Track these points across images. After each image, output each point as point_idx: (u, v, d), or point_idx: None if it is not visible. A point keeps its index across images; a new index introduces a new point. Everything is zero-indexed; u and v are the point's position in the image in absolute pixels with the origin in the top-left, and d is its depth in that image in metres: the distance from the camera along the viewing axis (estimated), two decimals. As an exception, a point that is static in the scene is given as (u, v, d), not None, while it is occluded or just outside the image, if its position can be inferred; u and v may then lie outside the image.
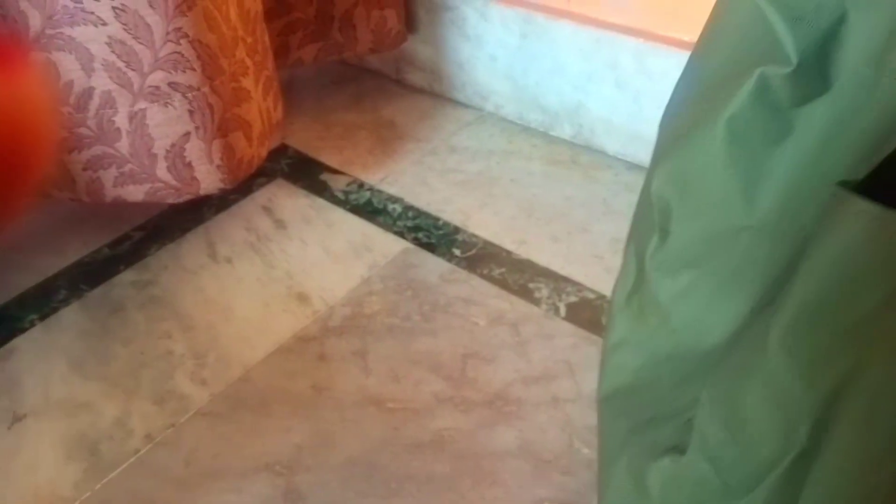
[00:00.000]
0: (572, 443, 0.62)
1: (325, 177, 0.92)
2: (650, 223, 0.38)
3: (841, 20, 0.32)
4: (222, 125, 0.73)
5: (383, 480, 0.61)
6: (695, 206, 0.36)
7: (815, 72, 0.33)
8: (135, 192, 0.76)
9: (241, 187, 0.90)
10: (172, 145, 0.72)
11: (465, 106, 1.01)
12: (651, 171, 0.39)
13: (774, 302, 0.32)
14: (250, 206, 0.88)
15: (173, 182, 0.75)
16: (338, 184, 0.91)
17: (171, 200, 0.77)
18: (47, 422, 0.67)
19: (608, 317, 0.43)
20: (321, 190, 0.90)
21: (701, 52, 0.39)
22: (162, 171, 0.74)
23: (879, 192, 0.30)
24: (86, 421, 0.67)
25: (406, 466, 0.61)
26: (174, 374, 0.70)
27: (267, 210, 0.88)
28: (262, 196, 0.90)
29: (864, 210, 0.29)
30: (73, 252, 0.83)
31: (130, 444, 0.65)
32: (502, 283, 0.77)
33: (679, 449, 0.38)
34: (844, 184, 0.30)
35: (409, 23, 0.99)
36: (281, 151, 0.96)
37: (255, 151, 0.79)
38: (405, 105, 1.03)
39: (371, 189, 0.90)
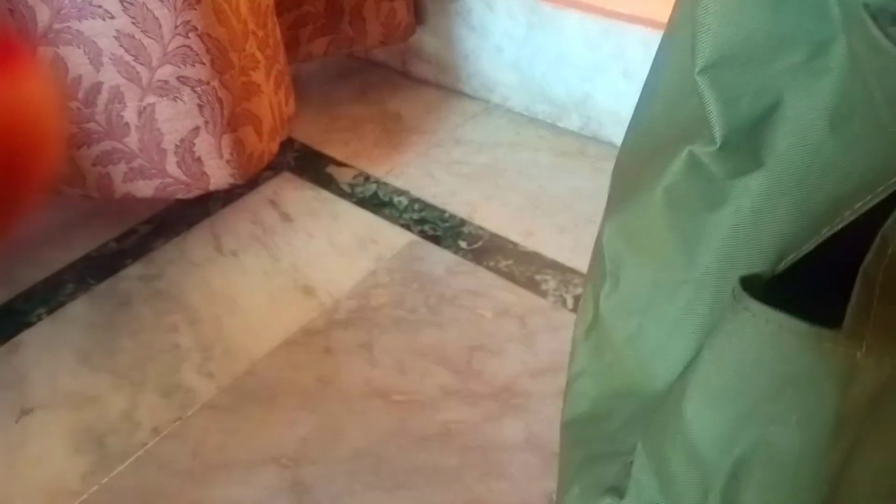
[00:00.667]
0: (579, 435, 0.62)
1: (331, 170, 0.92)
2: (603, 269, 0.39)
3: (776, 105, 0.32)
4: (232, 120, 0.73)
5: (390, 473, 0.60)
6: (641, 258, 0.38)
7: (744, 150, 0.33)
8: (144, 188, 0.76)
9: (248, 181, 0.90)
10: (182, 140, 0.72)
11: (472, 98, 1.01)
12: (603, 222, 0.41)
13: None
14: (256, 199, 0.88)
15: (183, 177, 0.75)
16: (344, 176, 0.91)
17: (180, 196, 0.77)
18: (54, 415, 0.67)
19: (572, 346, 0.45)
20: (327, 183, 0.90)
21: (648, 84, 0.41)
22: (171, 166, 0.74)
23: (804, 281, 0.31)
24: (93, 414, 0.67)
25: (413, 459, 0.61)
26: (181, 366, 0.70)
27: (273, 203, 0.88)
28: (268, 189, 0.90)
29: (759, 313, 0.30)
30: (80, 246, 0.83)
31: (138, 437, 0.65)
32: (509, 276, 0.77)
33: (618, 491, 0.40)
34: (752, 279, 0.32)
35: (417, 14, 0.99)
36: (287, 145, 0.96)
37: (265, 146, 0.79)
38: (411, 97, 1.02)
39: (377, 182, 0.89)
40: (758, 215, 0.33)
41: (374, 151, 0.94)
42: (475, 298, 0.74)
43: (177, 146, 0.72)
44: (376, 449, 0.62)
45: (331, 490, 0.60)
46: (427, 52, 1.02)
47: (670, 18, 0.39)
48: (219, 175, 0.74)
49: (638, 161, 0.39)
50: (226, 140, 0.73)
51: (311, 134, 0.97)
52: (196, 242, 0.83)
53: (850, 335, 0.29)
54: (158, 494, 0.60)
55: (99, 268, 0.81)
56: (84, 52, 0.66)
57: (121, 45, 0.66)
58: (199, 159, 0.73)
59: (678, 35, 0.37)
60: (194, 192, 0.75)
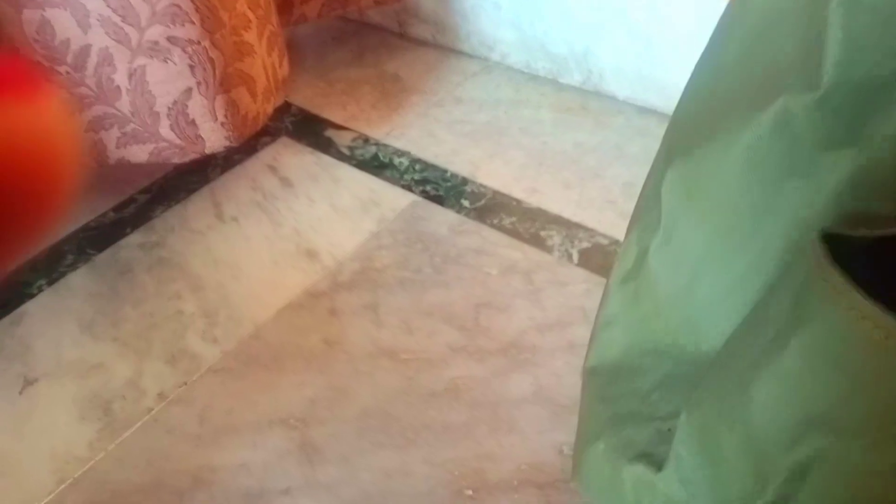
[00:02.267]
0: (589, 388, 0.61)
1: (329, 133, 0.90)
2: (657, 217, 0.37)
3: None
4: (224, 80, 0.72)
5: (399, 430, 0.60)
6: (702, 215, 0.35)
7: (845, 116, 0.30)
8: (139, 153, 0.74)
9: (246, 147, 0.89)
10: (174, 102, 0.71)
11: (471, 56, 0.99)
12: (664, 165, 0.37)
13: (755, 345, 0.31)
14: (255, 165, 0.87)
15: (177, 141, 0.73)
16: (343, 140, 0.89)
17: (176, 160, 0.76)
18: (59, 384, 0.67)
19: (605, 290, 0.43)
20: (326, 147, 0.89)
21: (734, 21, 0.37)
22: (165, 129, 0.73)
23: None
24: (98, 382, 0.66)
25: (422, 416, 0.61)
26: (185, 333, 0.70)
27: (272, 169, 0.86)
28: (266, 155, 0.88)
29: (842, 291, 0.26)
30: (79, 217, 0.82)
31: (143, 403, 0.64)
32: (513, 233, 0.75)
33: (653, 459, 0.38)
34: (836, 239, 0.28)
35: (410, -27, 0.97)
36: (284, 110, 0.94)
37: (260, 107, 0.77)
38: (409, 58, 1.01)
39: (377, 144, 0.88)
40: (840, 198, 0.30)
41: (372, 113, 0.92)
42: (480, 256, 0.73)
43: (169, 109, 0.70)
44: (385, 407, 0.62)
45: (340, 449, 0.59)
46: (424, 11, 1.00)
47: None
48: (214, 138, 0.73)
49: (711, 108, 0.36)
50: (219, 101, 0.71)
51: (308, 98, 0.96)
52: (196, 210, 0.82)
53: None
54: (166, 458, 0.60)
55: (98, 238, 0.80)
56: (71, 13, 0.65)
57: (108, 6, 0.64)
58: (192, 122, 0.71)
59: None
60: (190, 156, 0.74)
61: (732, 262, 0.34)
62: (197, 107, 0.71)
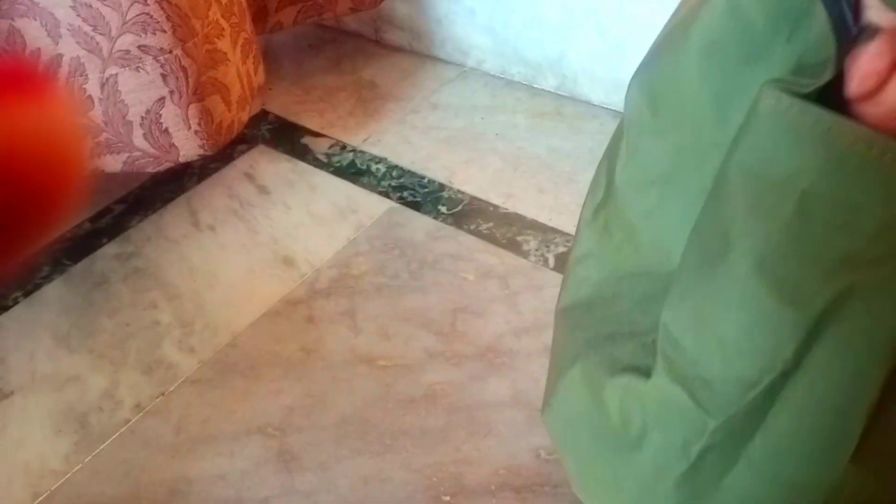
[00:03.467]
0: (566, 390, 0.61)
1: (306, 140, 0.90)
2: (620, 135, 0.37)
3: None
4: (198, 89, 0.72)
5: (377, 437, 0.60)
6: (666, 120, 0.35)
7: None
8: (113, 163, 0.74)
9: (223, 155, 0.88)
10: (147, 111, 0.71)
11: (447, 63, 0.99)
12: (631, 82, 0.37)
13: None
14: (232, 173, 0.87)
15: (151, 150, 0.73)
16: (320, 147, 0.89)
17: (150, 170, 0.75)
18: (34, 397, 0.66)
19: (577, 230, 0.42)
20: (303, 154, 0.89)
21: None
22: (139, 139, 0.72)
23: None
24: (74, 394, 0.66)
25: (399, 422, 0.61)
26: (161, 343, 0.69)
27: (249, 176, 0.86)
28: (243, 163, 0.88)
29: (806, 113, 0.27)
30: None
31: (120, 415, 0.64)
32: (490, 238, 0.76)
33: (640, 370, 0.37)
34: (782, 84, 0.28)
35: (385, -20, 0.97)
36: (261, 117, 0.94)
37: (234, 115, 0.77)
38: (385, 65, 1.01)
39: (354, 150, 0.88)
40: (796, 75, 0.30)
41: (349, 120, 0.93)
42: (457, 262, 0.74)
43: (143, 118, 0.70)
44: (362, 414, 0.62)
45: (318, 456, 0.59)
46: (399, 18, 1.00)
47: None
48: (188, 146, 0.73)
49: (671, 22, 0.36)
50: (193, 110, 0.71)
51: (284, 105, 0.96)
52: (172, 219, 0.82)
53: None
54: (143, 470, 0.60)
55: (74, 249, 0.80)
56: (41, 23, 0.65)
57: (78, 15, 0.64)
58: (166, 131, 0.71)
59: None
60: (164, 165, 0.74)
61: (702, 164, 0.33)
62: (170, 115, 0.71)
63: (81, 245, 0.80)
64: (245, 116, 0.80)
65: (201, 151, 0.74)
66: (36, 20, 0.65)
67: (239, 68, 0.77)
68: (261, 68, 0.84)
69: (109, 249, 0.79)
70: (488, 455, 0.58)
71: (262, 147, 0.90)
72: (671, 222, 0.35)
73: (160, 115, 0.71)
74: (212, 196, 0.84)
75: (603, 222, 0.38)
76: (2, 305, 0.74)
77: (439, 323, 0.68)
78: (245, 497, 0.57)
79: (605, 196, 0.38)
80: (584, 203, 0.41)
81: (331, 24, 1.07)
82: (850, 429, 0.31)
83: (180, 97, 0.70)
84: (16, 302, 0.75)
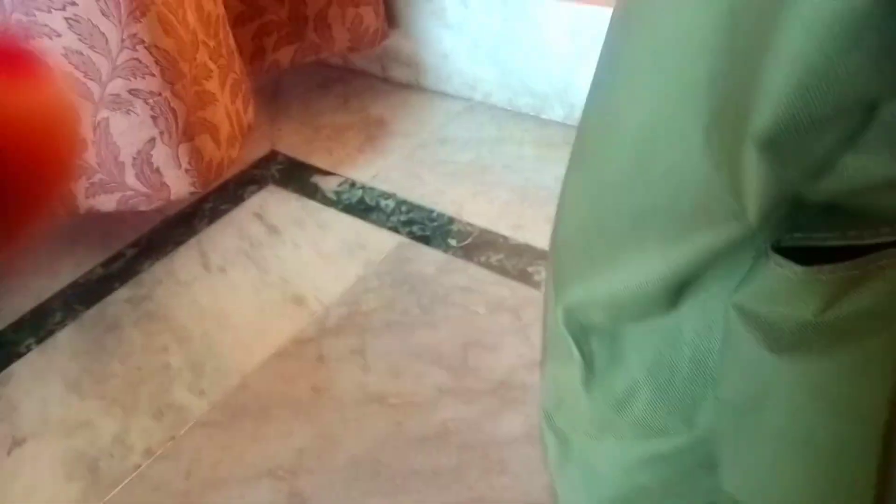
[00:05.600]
0: (581, 424, 0.60)
1: (315, 179, 0.91)
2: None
3: None
4: (187, 129, 0.72)
5: (388, 478, 0.59)
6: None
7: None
8: (107, 202, 0.75)
9: (233, 196, 0.89)
10: (139, 152, 0.72)
11: (454, 97, 1.00)
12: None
13: None
14: (242, 214, 0.87)
15: (143, 189, 0.74)
16: (329, 185, 0.89)
17: (143, 208, 0.76)
18: (46, 444, 0.66)
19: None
20: (312, 192, 0.89)
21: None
22: (131, 178, 0.73)
23: None
24: (85, 440, 0.65)
25: (411, 462, 0.60)
26: (171, 386, 0.69)
27: (259, 217, 0.87)
28: (253, 203, 0.89)
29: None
30: (67, 273, 0.82)
31: (130, 460, 0.63)
32: (501, 270, 0.75)
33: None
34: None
35: (391, 18, 0.98)
36: (271, 158, 0.95)
37: (224, 154, 0.78)
38: (393, 102, 1.01)
39: (363, 187, 0.88)
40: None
41: (358, 158, 0.93)
42: (468, 295, 0.73)
43: (134, 158, 0.71)
44: (374, 454, 0.60)
45: (329, 499, 0.58)
46: (405, 55, 1.01)
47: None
48: (179, 185, 0.73)
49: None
50: (183, 149, 0.72)
51: (294, 145, 0.96)
52: (183, 261, 0.82)
53: None
54: (153, 516, 0.59)
55: (86, 294, 0.80)
56: (41, 72, 0.66)
57: (69, 62, 0.65)
58: (157, 170, 0.72)
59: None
60: (156, 204, 0.75)
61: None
62: (161, 155, 0.72)
63: (94, 290, 0.80)
64: (235, 153, 0.80)
65: (192, 189, 0.75)
66: (38, 69, 0.66)
67: (228, 108, 0.78)
68: (251, 107, 0.85)
69: (121, 294, 0.80)
70: (503, 494, 0.57)
71: (271, 187, 0.90)
72: None
73: (151, 155, 0.71)
74: (222, 237, 0.85)
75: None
76: (15, 353, 0.75)
77: (451, 358, 0.67)
78: (255, 542, 0.56)
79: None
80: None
81: (338, 63, 1.08)
82: None
83: (170, 137, 0.71)
84: (29, 349, 0.75)
